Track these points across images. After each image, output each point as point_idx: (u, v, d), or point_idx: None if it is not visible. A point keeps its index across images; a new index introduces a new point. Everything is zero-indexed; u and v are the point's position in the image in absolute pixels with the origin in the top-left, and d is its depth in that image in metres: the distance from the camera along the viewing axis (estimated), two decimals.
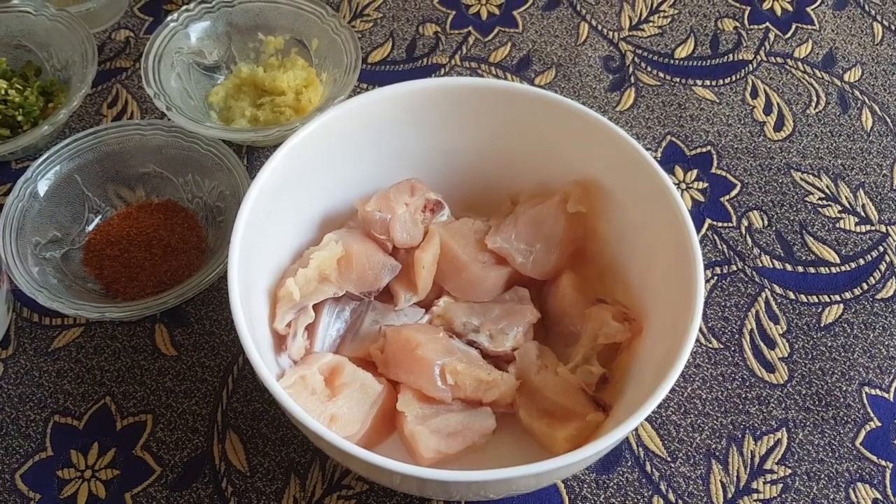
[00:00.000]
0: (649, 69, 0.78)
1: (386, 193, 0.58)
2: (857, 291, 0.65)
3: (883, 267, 0.66)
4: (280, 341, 0.55)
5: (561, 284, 0.58)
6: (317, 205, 0.60)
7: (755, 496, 0.56)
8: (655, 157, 0.72)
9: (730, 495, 0.56)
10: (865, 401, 0.60)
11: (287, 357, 0.55)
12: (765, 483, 0.56)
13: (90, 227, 0.65)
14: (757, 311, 0.64)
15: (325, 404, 0.51)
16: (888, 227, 0.69)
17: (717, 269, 0.66)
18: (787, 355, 0.62)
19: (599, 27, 0.82)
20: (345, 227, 0.60)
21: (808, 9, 0.84)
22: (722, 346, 0.62)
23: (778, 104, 0.76)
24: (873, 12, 0.84)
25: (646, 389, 0.46)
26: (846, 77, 0.79)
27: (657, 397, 0.44)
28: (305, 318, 0.55)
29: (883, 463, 0.57)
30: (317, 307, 0.56)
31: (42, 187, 0.62)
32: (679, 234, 0.51)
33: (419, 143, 0.61)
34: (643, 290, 0.55)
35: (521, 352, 0.55)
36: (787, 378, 0.61)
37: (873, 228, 0.69)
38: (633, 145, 0.54)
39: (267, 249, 0.55)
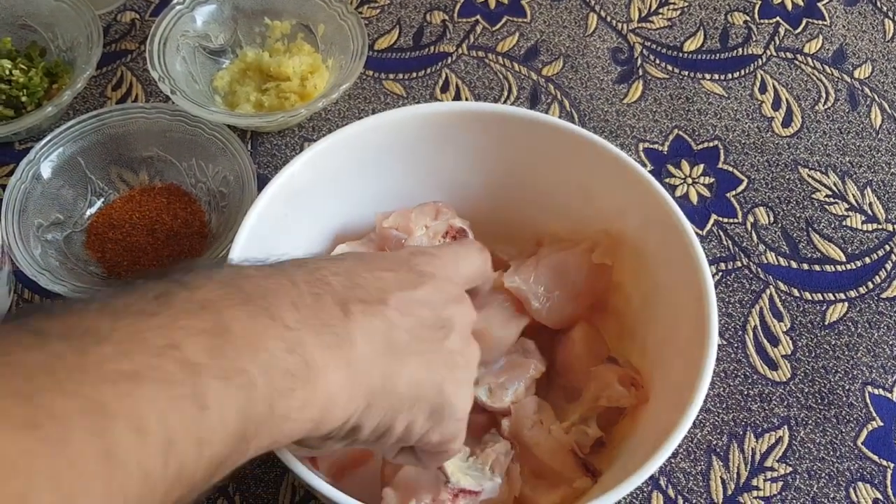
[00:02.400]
0: (658, 62, 0.78)
1: (407, 213, 0.57)
2: (862, 290, 0.65)
3: (889, 266, 0.66)
4: None
5: (572, 337, 0.56)
6: (336, 214, 0.58)
7: (755, 493, 0.55)
8: (662, 151, 0.71)
9: (730, 492, 0.55)
10: (868, 400, 0.59)
11: None
12: (765, 480, 0.56)
13: (93, 210, 0.64)
14: (761, 308, 0.63)
15: None
16: (895, 226, 0.68)
17: (722, 266, 0.65)
18: (790, 353, 0.61)
19: (608, 18, 0.81)
20: (365, 237, 0.58)
21: (819, 4, 0.84)
22: (725, 343, 0.61)
23: (787, 100, 0.76)
24: (885, 9, 0.83)
25: (638, 461, 0.45)
26: (856, 74, 0.78)
27: (644, 472, 0.43)
28: None
29: (884, 463, 0.57)
30: None
31: (45, 169, 0.62)
32: (700, 315, 0.49)
33: (449, 166, 0.59)
34: (658, 360, 0.53)
35: (518, 406, 0.53)
36: (789, 376, 0.60)
37: (880, 227, 0.68)
38: (673, 208, 0.52)
39: (276, 253, 0.53)
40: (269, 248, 0.53)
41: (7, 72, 0.68)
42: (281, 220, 0.54)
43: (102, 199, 0.65)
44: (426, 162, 0.59)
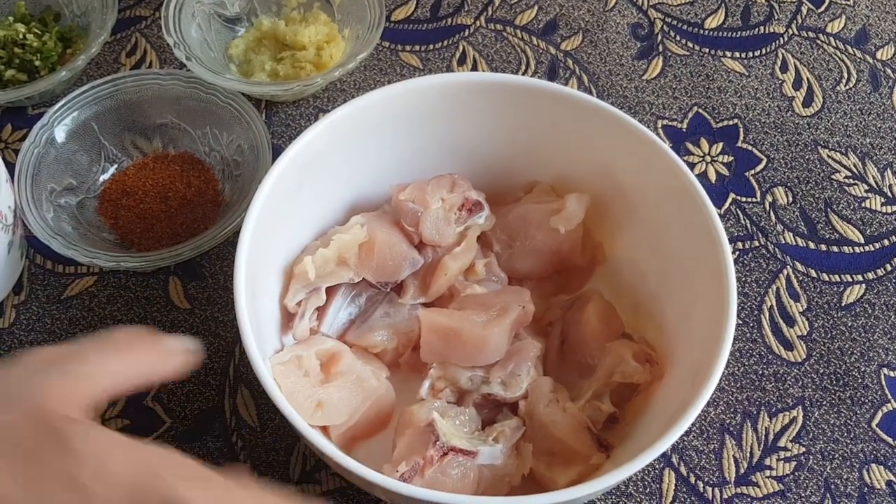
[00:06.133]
0: (678, 38, 0.77)
1: (423, 185, 0.56)
2: (880, 272, 0.64)
3: None
4: (288, 319, 0.54)
5: (586, 312, 0.55)
6: (351, 185, 0.58)
7: (768, 473, 0.55)
8: (681, 129, 0.71)
9: (742, 471, 0.55)
10: (883, 382, 0.59)
11: (291, 337, 0.54)
12: (778, 460, 0.56)
13: (106, 176, 0.64)
14: (777, 288, 0.63)
15: (315, 388, 0.50)
16: None
17: (740, 245, 0.65)
18: (806, 333, 0.61)
19: None
20: (380, 209, 0.58)
21: None
22: (741, 322, 0.61)
23: (808, 79, 0.75)
24: None
25: (651, 437, 0.44)
26: (878, 55, 0.77)
27: (658, 448, 0.43)
28: (316, 301, 0.54)
29: None
30: (330, 291, 0.55)
31: (59, 133, 0.61)
32: (718, 293, 0.48)
33: (467, 137, 0.58)
34: (674, 337, 0.52)
35: (534, 385, 0.52)
36: (805, 356, 0.60)
37: None
38: (693, 183, 0.51)
39: (290, 222, 0.54)
40: (283, 216, 0.53)
41: (21, 36, 0.67)
42: (295, 190, 0.53)
43: (116, 166, 0.64)
44: (443, 133, 0.58)
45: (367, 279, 0.55)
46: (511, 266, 0.58)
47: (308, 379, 0.50)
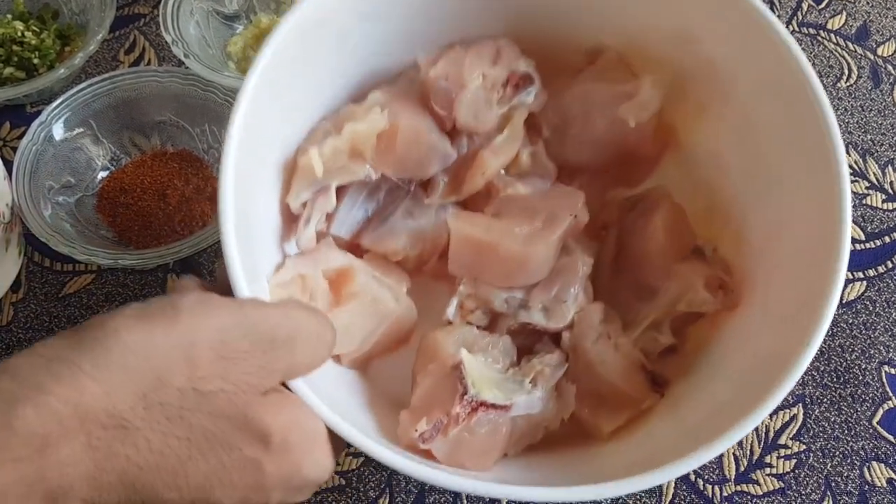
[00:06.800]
0: None
1: (460, 56, 0.45)
2: (881, 269, 0.64)
3: None
4: (290, 223, 0.45)
5: (652, 223, 0.46)
6: (369, 49, 0.47)
7: (768, 470, 0.55)
8: None
9: (742, 469, 0.55)
10: (884, 379, 0.59)
11: (294, 244, 0.45)
12: (778, 458, 0.55)
13: (104, 174, 0.64)
14: None
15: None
16: None
17: None
18: None
19: None
20: (404, 78, 0.47)
21: None
22: None
23: None
24: None
25: (725, 386, 0.37)
26: (879, 51, 0.77)
27: (748, 424, 0.36)
28: (325, 203, 0.45)
29: None
30: (341, 188, 0.46)
31: (57, 131, 0.61)
32: (828, 212, 0.38)
33: None
34: (759, 256, 0.43)
35: (581, 314, 0.44)
36: None
37: None
38: (806, 70, 0.41)
39: (294, 97, 0.44)
40: (283, 95, 0.43)
41: (19, 33, 0.67)
42: (300, 58, 0.43)
43: (114, 164, 0.64)
44: None
45: (386, 175, 0.46)
46: (562, 156, 0.48)
47: (315, 303, 0.43)
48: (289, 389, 0.35)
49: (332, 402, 0.37)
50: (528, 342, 0.46)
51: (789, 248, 0.42)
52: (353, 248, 0.48)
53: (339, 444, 0.36)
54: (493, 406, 0.40)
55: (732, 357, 0.41)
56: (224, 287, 0.37)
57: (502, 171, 0.48)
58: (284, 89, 0.42)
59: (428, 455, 0.40)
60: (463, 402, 0.40)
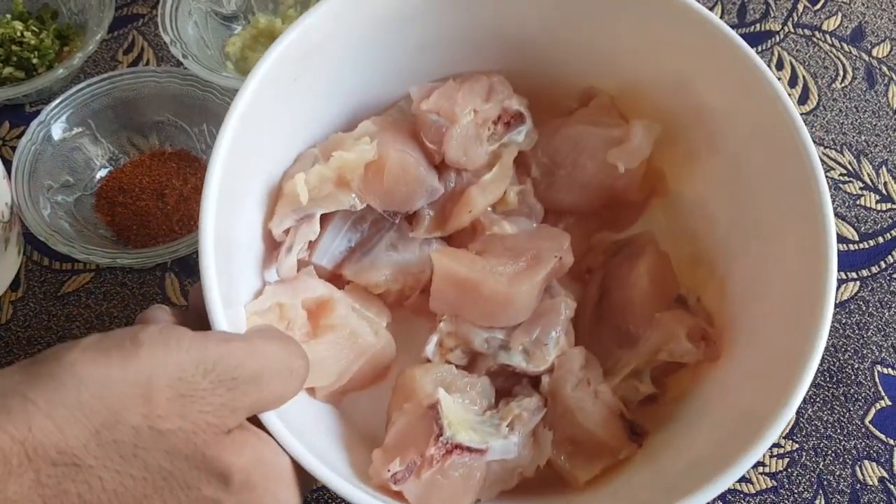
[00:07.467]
0: None
1: (453, 90, 0.45)
2: (874, 269, 0.64)
3: None
4: (272, 249, 0.45)
5: (636, 270, 0.46)
6: (359, 81, 0.47)
7: (760, 469, 0.55)
8: None
9: None
10: (877, 379, 0.59)
11: (275, 272, 0.45)
12: (771, 457, 0.56)
13: (102, 174, 0.64)
14: None
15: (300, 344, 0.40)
16: None
17: None
18: None
19: None
20: (395, 108, 0.48)
21: None
22: None
23: (803, 77, 0.75)
24: None
25: (704, 437, 0.37)
26: (874, 52, 0.77)
27: (725, 480, 0.34)
28: (308, 231, 0.44)
29: (891, 442, 0.57)
30: (326, 216, 0.45)
31: (55, 131, 0.62)
32: (814, 260, 0.38)
33: (512, 22, 0.46)
34: (743, 306, 0.43)
35: (562, 358, 0.43)
36: None
37: (894, 207, 0.68)
38: (796, 119, 0.41)
39: (283, 125, 0.44)
40: (275, 118, 0.43)
41: (18, 33, 0.67)
42: (290, 85, 0.43)
43: (112, 163, 0.65)
44: (478, 17, 0.46)
45: (371, 206, 0.45)
46: (549, 197, 0.48)
47: (291, 332, 0.42)
48: (259, 422, 0.35)
49: (303, 436, 0.36)
50: (507, 384, 0.45)
51: (774, 301, 0.41)
52: (335, 278, 0.48)
53: (307, 481, 0.36)
54: (469, 449, 0.39)
55: (712, 410, 0.41)
56: (197, 312, 0.37)
57: (489, 209, 0.48)
58: (273, 115, 0.42)
59: (399, 497, 0.39)
60: (438, 444, 0.39)
